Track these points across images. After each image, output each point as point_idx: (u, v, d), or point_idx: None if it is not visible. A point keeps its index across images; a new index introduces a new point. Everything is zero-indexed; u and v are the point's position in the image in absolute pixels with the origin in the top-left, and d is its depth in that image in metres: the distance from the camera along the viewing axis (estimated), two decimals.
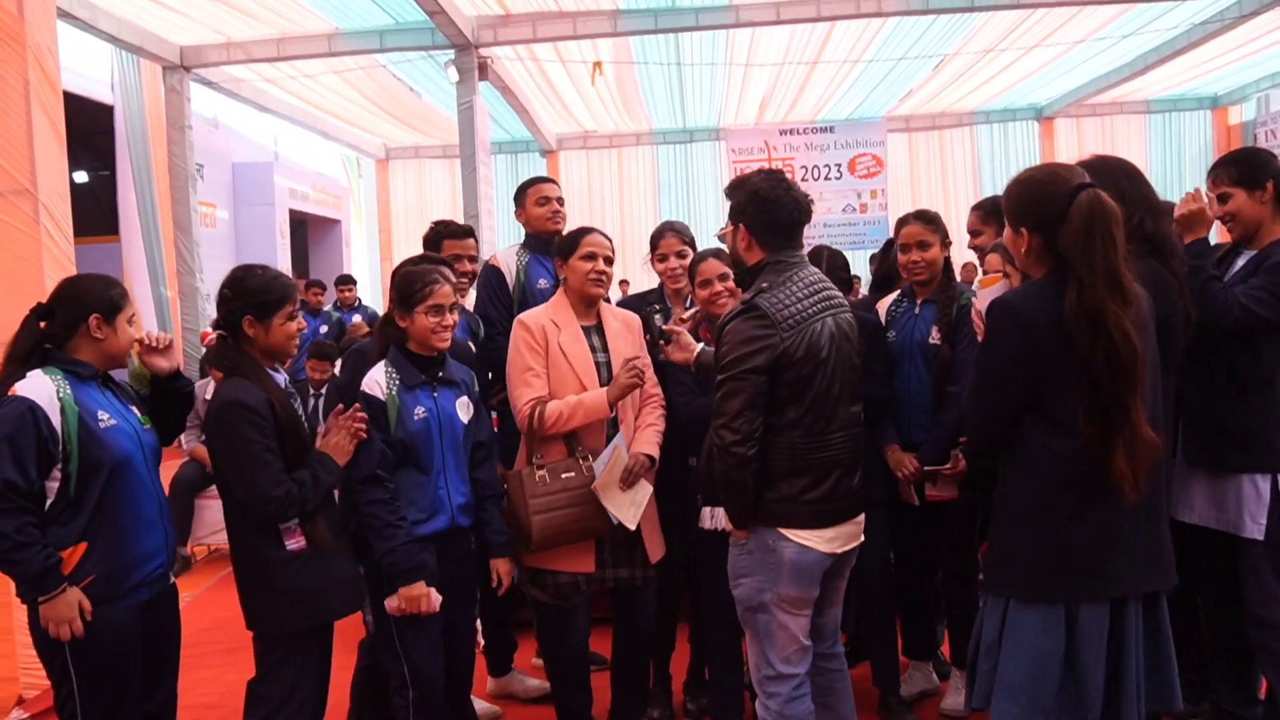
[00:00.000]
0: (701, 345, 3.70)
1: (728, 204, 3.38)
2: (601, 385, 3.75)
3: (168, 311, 11.53)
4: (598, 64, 11.92)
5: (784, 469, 3.09)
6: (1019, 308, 2.65)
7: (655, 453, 3.81)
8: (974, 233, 4.52)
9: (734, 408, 3.04)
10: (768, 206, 3.20)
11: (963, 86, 14.54)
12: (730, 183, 3.36)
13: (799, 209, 3.20)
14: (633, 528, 3.72)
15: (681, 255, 4.27)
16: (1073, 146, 16.07)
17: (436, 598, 3.37)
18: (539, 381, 3.71)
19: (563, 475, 3.64)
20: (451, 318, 3.51)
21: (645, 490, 3.75)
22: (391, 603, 3.35)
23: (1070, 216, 2.57)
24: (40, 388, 2.93)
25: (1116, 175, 3.19)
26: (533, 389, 3.69)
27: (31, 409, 2.87)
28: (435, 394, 3.50)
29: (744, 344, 3.06)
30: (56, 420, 2.91)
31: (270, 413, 3.12)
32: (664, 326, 3.70)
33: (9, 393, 2.91)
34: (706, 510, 3.90)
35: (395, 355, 3.50)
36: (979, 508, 4.14)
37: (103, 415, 3.02)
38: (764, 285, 3.14)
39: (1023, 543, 2.67)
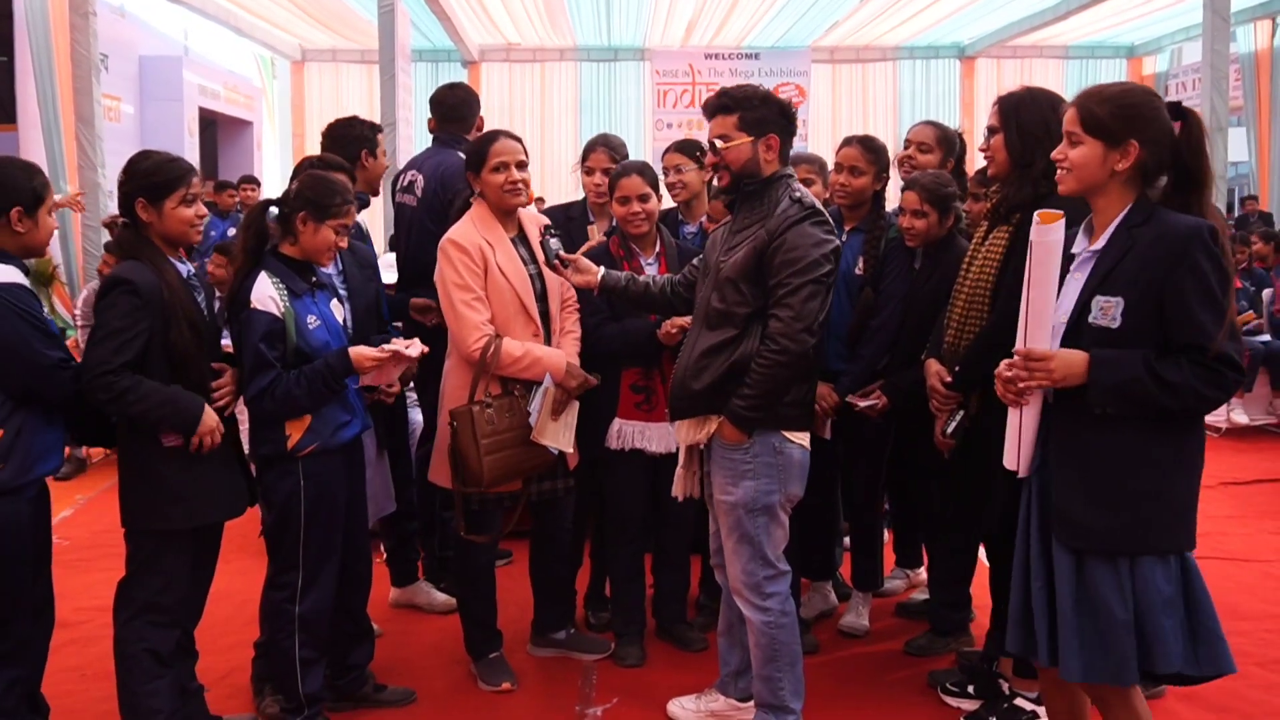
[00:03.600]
0: (603, 270, 3.64)
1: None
2: (535, 298, 3.70)
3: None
4: None
5: (800, 374, 3.21)
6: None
7: (577, 362, 3.80)
8: (925, 148, 4.34)
9: (815, 310, 3.13)
10: (791, 123, 3.30)
11: (888, 21, 14.52)
12: (745, 95, 3.26)
13: None
14: (570, 450, 3.75)
15: (609, 173, 4.23)
16: (993, 87, 16.11)
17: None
18: (483, 306, 3.62)
19: (508, 414, 3.61)
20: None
21: (574, 408, 3.76)
22: None
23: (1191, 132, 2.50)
24: None
25: (1044, 108, 3.22)
26: (479, 314, 3.60)
27: None
28: (315, 299, 3.39)
29: (817, 247, 3.14)
30: None
31: (159, 299, 3.01)
32: (560, 254, 3.63)
33: None
34: (613, 428, 3.93)
35: (275, 263, 3.33)
36: (890, 438, 4.24)
37: None
38: (797, 194, 3.22)
39: (1187, 495, 2.57)
